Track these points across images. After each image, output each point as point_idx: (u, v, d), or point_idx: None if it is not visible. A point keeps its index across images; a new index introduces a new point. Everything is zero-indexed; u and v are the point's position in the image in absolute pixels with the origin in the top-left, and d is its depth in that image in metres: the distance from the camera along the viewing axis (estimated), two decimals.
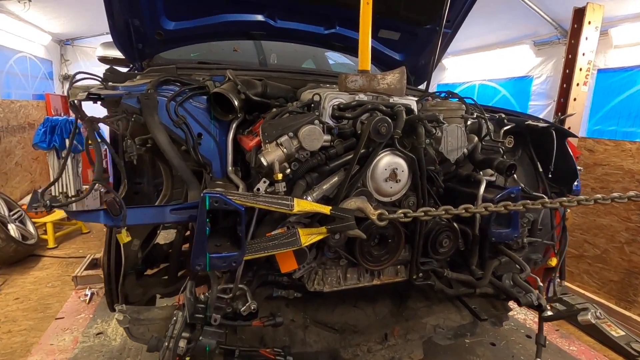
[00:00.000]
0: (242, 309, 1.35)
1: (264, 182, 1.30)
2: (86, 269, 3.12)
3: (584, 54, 3.66)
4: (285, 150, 1.38)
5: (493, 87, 6.32)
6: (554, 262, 2.00)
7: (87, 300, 2.72)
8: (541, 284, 1.80)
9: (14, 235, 3.86)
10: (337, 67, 3.44)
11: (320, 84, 2.12)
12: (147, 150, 1.75)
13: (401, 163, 1.57)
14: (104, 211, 1.23)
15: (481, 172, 1.88)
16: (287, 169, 1.41)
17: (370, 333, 1.74)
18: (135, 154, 1.48)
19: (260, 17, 2.47)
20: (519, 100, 5.85)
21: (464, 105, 1.86)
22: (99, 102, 1.23)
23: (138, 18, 2.13)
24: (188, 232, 1.93)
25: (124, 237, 1.23)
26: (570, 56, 3.74)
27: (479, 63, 6.45)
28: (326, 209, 1.37)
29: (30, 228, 4.27)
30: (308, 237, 1.36)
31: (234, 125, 1.70)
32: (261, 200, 1.28)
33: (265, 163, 1.35)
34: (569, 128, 3.87)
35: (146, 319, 1.40)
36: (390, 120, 1.47)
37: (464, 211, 1.45)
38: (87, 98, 1.18)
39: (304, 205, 1.33)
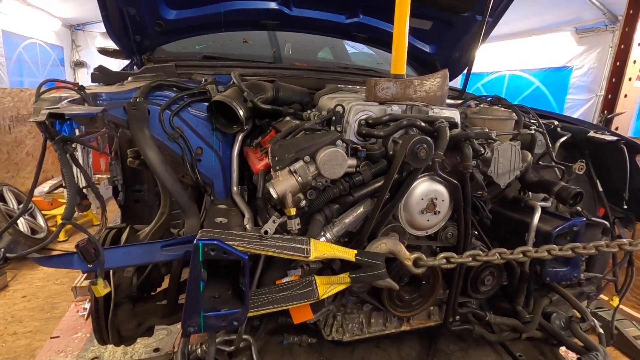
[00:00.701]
0: None
1: (273, 221, 1.03)
2: (87, 277, 2.95)
3: (639, 44, 3.23)
4: (300, 178, 1.10)
5: (525, 78, 5.80)
6: (615, 301, 1.69)
7: (86, 316, 2.56)
8: (600, 330, 1.51)
9: (22, 230, 3.81)
10: (357, 57, 3.10)
11: (340, 84, 1.83)
12: (140, 164, 1.52)
13: (441, 191, 1.28)
14: (77, 255, 1.00)
15: (529, 194, 1.58)
16: (301, 200, 1.14)
17: None
18: (120, 179, 1.23)
19: (273, 5, 2.17)
20: (555, 93, 5.35)
21: (514, 114, 1.55)
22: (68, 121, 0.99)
23: (134, 6, 1.86)
24: None
25: (100, 289, 0.99)
26: (622, 46, 3.30)
27: (511, 51, 5.93)
28: (351, 254, 1.10)
29: (40, 221, 4.22)
30: (327, 286, 1.10)
31: (240, 138, 1.44)
32: (270, 246, 1.02)
33: (275, 195, 1.08)
34: (617, 128, 3.47)
35: None
36: (430, 140, 1.17)
37: (521, 255, 1.17)
38: (49, 117, 0.94)
39: (323, 249, 1.07)
